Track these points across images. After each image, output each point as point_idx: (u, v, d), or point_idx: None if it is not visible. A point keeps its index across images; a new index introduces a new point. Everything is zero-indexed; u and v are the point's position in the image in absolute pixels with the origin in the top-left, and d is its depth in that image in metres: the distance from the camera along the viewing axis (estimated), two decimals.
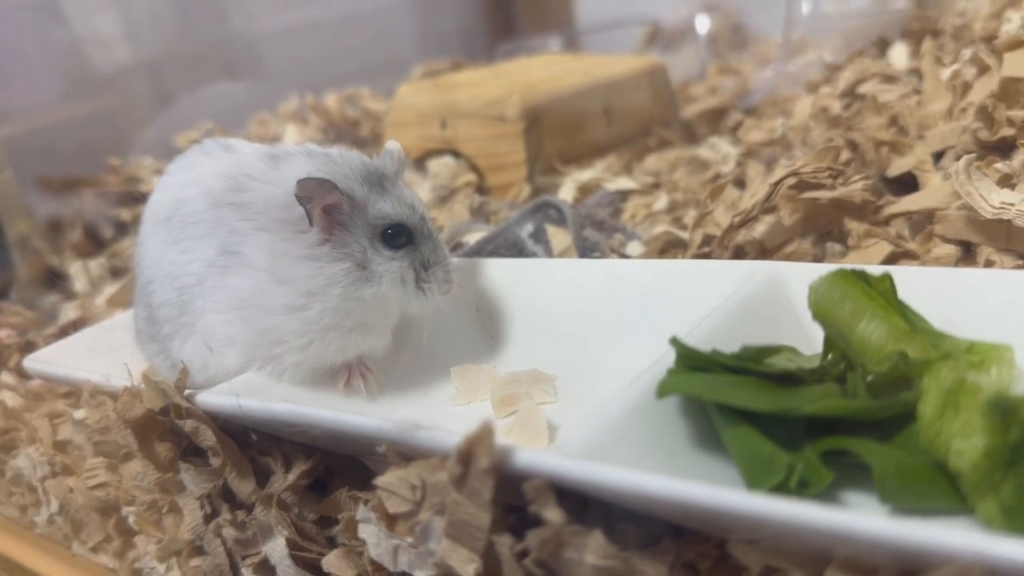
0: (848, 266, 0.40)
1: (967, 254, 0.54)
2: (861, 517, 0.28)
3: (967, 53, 0.68)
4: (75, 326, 0.76)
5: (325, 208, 0.49)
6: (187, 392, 0.48)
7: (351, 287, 0.50)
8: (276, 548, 0.45)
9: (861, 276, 0.38)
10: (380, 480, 0.38)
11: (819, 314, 0.39)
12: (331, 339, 0.50)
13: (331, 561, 0.44)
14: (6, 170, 0.90)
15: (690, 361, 0.39)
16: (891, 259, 0.54)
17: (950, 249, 0.54)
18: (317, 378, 0.52)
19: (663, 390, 0.37)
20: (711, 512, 0.30)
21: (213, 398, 0.47)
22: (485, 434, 0.35)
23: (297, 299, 0.49)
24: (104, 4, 1.26)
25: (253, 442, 0.49)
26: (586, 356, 0.53)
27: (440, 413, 0.51)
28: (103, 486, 0.55)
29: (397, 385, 0.54)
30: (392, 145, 0.55)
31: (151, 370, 0.55)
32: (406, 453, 0.39)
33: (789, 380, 0.38)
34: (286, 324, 0.50)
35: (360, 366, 0.52)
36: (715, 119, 1.01)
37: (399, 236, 0.51)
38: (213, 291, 0.52)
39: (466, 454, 0.35)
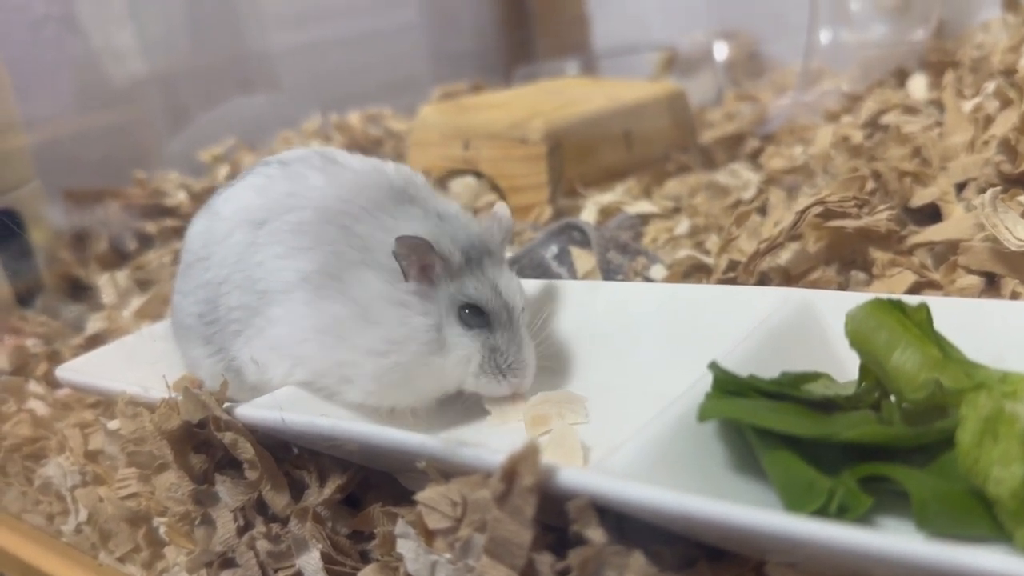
0: (884, 295, 0.41)
1: (991, 285, 0.54)
2: (906, 540, 0.28)
3: (990, 86, 0.69)
4: (102, 338, 0.77)
5: (421, 265, 0.51)
6: (226, 405, 0.49)
7: (425, 347, 0.51)
8: (310, 561, 0.46)
9: (897, 306, 0.39)
10: (421, 496, 0.39)
11: (855, 342, 0.40)
12: (390, 396, 0.52)
13: (366, 575, 0.44)
14: (33, 180, 0.91)
15: (728, 386, 0.40)
16: (915, 289, 0.55)
17: (974, 280, 0.54)
18: None
19: (704, 414, 0.38)
20: (757, 534, 0.31)
21: (253, 411, 0.48)
22: (530, 453, 0.35)
23: (381, 344, 0.50)
24: (120, 18, 1.28)
25: (288, 456, 0.50)
26: (615, 378, 0.54)
27: (471, 432, 0.52)
28: (135, 496, 0.56)
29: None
30: (502, 210, 0.57)
31: (190, 380, 0.56)
32: (445, 470, 0.40)
33: (826, 407, 0.39)
34: (363, 366, 0.51)
35: None
36: (732, 145, 1.02)
37: (474, 317, 0.52)
38: (300, 306, 0.52)
39: (510, 472, 0.36)
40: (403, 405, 0.52)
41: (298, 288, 0.52)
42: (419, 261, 0.50)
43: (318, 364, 0.51)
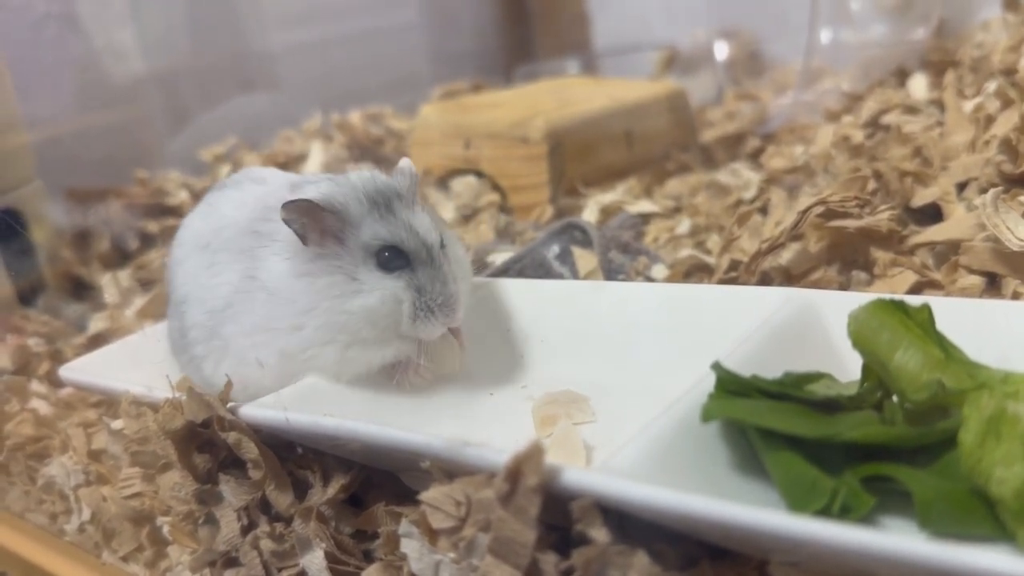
0: (886, 295, 0.41)
1: (992, 285, 0.54)
2: (909, 540, 0.28)
3: (991, 86, 0.69)
4: (104, 337, 0.77)
5: (320, 228, 0.51)
6: (230, 405, 0.49)
7: (339, 299, 0.51)
8: (314, 561, 0.46)
9: (899, 306, 0.39)
10: (425, 495, 0.39)
11: (858, 342, 0.40)
12: (329, 354, 0.52)
13: (370, 575, 0.44)
14: (35, 179, 0.91)
15: (730, 386, 0.40)
16: (916, 289, 0.55)
17: (975, 280, 0.55)
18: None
19: (708, 414, 0.38)
20: (760, 534, 0.31)
21: (257, 411, 0.48)
22: (534, 453, 0.35)
23: (297, 317, 0.52)
24: (121, 18, 1.28)
25: (292, 456, 0.50)
26: (616, 378, 0.54)
27: (472, 431, 0.52)
28: (138, 496, 0.56)
29: (430, 403, 0.54)
30: (404, 163, 0.57)
31: (193, 381, 0.56)
32: (449, 469, 0.40)
33: (828, 407, 0.39)
34: (293, 342, 0.52)
35: (410, 364, 0.54)
36: (733, 144, 1.02)
37: (394, 259, 0.52)
38: (239, 316, 0.54)
39: (514, 472, 0.36)
40: (366, 364, 0.53)
41: (234, 301, 0.54)
42: (313, 223, 0.51)
43: (270, 360, 0.53)
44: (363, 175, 0.55)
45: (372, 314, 0.51)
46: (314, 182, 0.56)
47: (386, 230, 0.52)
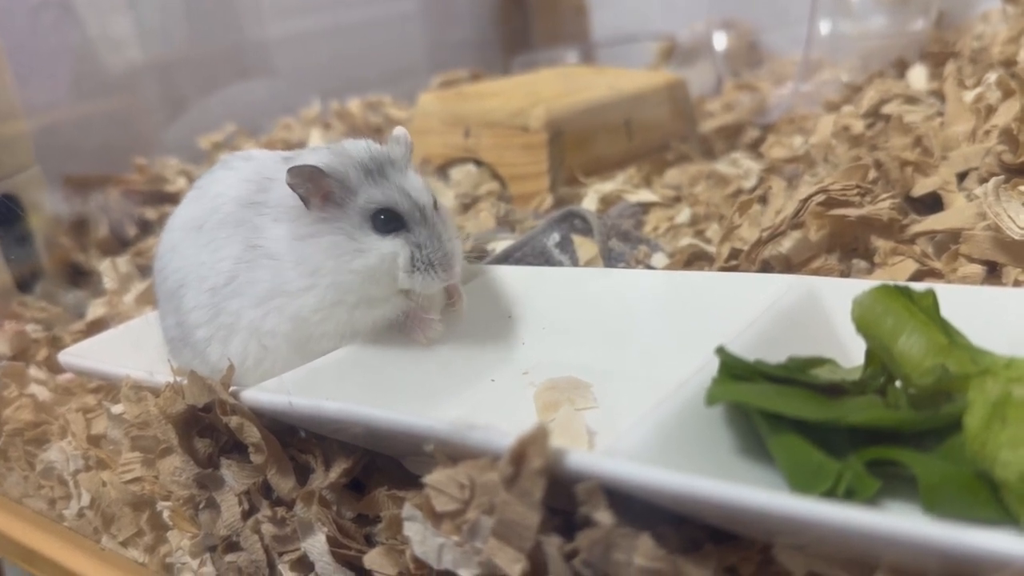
0: (891, 282, 0.41)
1: (992, 274, 0.55)
2: (914, 521, 0.28)
3: (992, 77, 0.69)
4: (103, 323, 0.77)
5: (321, 193, 0.53)
6: (232, 389, 0.49)
7: (344, 259, 0.53)
8: (316, 545, 0.46)
9: (904, 292, 0.39)
10: (429, 478, 0.39)
11: (862, 327, 0.40)
12: (339, 314, 0.54)
13: (372, 558, 0.44)
14: (33, 166, 0.91)
15: (735, 370, 0.40)
16: (916, 277, 0.55)
17: (976, 268, 0.55)
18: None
19: (712, 398, 0.38)
20: (767, 516, 0.31)
21: (260, 395, 0.48)
22: (539, 436, 0.35)
23: (307, 279, 0.53)
24: (118, 5, 1.27)
25: (293, 440, 0.50)
26: (617, 365, 0.54)
27: (474, 417, 0.52)
28: (138, 480, 0.56)
29: (431, 388, 0.54)
30: (398, 131, 0.59)
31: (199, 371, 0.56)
32: (453, 453, 0.40)
33: (832, 391, 0.39)
34: (307, 303, 0.53)
35: (415, 318, 0.56)
36: (731, 135, 1.02)
37: (390, 221, 0.54)
38: (245, 287, 0.54)
39: (519, 455, 0.36)
40: (372, 322, 0.55)
41: (238, 273, 0.54)
42: (316, 188, 0.53)
43: (284, 327, 0.53)
44: (358, 144, 0.57)
45: (373, 272, 0.53)
46: (310, 152, 0.57)
47: (380, 193, 0.54)
